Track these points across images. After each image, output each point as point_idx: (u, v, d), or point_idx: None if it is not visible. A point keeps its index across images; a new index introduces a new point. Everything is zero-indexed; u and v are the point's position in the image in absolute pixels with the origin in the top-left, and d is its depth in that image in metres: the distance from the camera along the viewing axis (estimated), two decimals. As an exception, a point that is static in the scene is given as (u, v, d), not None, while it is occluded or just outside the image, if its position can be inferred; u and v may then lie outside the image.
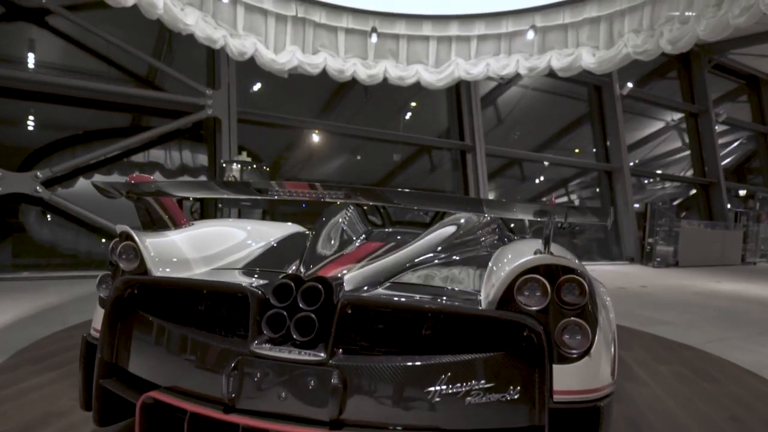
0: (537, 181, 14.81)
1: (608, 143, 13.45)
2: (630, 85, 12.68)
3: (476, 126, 10.57)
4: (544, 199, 14.57)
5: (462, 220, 2.98)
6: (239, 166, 7.25)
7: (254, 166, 7.48)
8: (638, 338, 4.49)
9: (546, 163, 14.04)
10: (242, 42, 6.62)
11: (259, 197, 1.88)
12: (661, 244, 11.99)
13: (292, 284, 1.69)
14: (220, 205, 7.13)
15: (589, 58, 6.68)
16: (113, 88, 7.58)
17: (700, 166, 15.89)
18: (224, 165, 7.18)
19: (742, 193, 17.23)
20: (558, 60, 6.94)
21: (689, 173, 16.71)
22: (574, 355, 1.61)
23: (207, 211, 8.32)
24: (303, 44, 6.93)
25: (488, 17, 7.13)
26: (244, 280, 2.01)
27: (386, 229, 3.25)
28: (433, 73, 7.22)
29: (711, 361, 3.90)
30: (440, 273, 2.17)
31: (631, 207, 12.90)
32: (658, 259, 11.80)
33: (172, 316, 1.89)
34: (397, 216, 3.81)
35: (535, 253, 1.69)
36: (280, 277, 1.77)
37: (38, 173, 6.73)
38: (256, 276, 2.10)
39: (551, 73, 7.69)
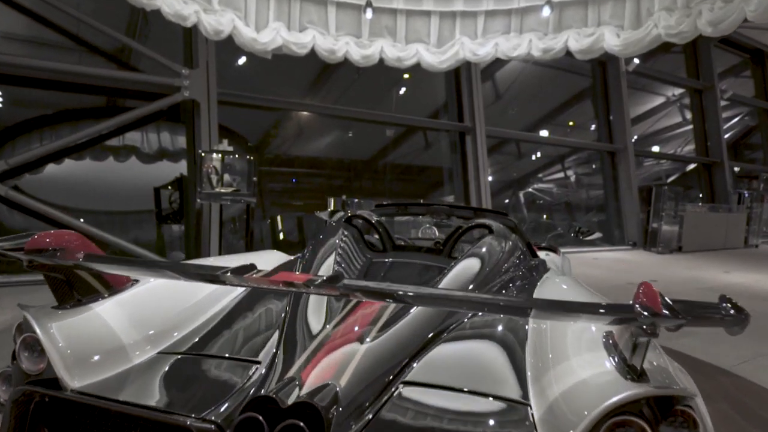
0: (533, 158, 14.29)
1: (612, 122, 12.86)
2: (637, 60, 12.01)
3: (476, 106, 9.92)
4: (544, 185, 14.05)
5: (484, 249, 2.42)
6: (219, 156, 6.59)
7: (236, 155, 6.81)
8: (667, 361, 4.00)
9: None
10: (218, 18, 5.86)
11: (210, 282, 1.30)
12: (665, 228, 11.54)
13: (263, 423, 1.13)
14: (199, 201, 6.49)
15: (612, 40, 5.89)
16: (78, 68, 6.83)
17: (703, 144, 15.38)
18: (203, 155, 6.51)
19: (736, 169, 16.69)
20: (576, 41, 6.16)
21: (686, 149, 16.20)
22: None
23: (186, 200, 7.69)
24: (288, 20, 6.18)
25: (498, -10, 6.35)
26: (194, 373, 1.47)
27: (388, 259, 2.69)
28: (435, 53, 6.47)
29: (754, 393, 3.41)
30: (468, 361, 1.60)
31: (634, 189, 12.40)
32: (662, 245, 11.37)
33: None
34: (399, 232, 3.24)
35: (625, 375, 1.13)
36: (244, 403, 1.20)
37: (-7, 166, 6.05)
38: (213, 370, 1.53)
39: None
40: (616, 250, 11.68)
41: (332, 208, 7.99)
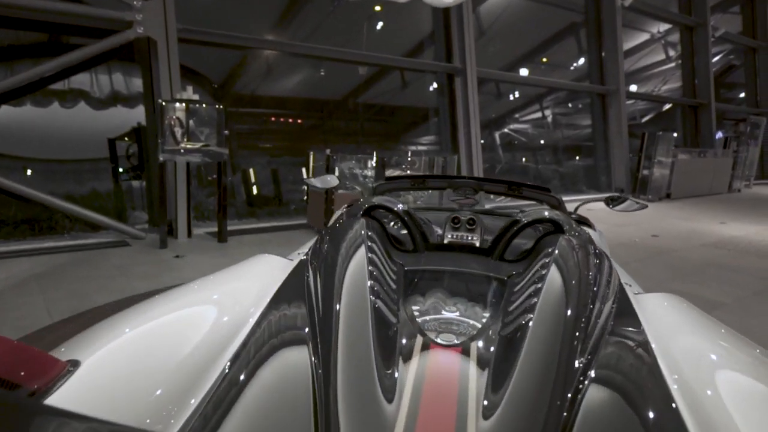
0: (512, 97, 13.64)
1: (604, 62, 12.15)
2: (633, -6, 11.18)
3: (467, 45, 9.04)
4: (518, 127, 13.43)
5: (557, 252, 1.80)
6: (183, 106, 5.68)
7: (204, 105, 5.90)
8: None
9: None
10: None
11: None
12: (655, 174, 11.18)
13: None
14: (161, 159, 5.62)
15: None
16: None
17: (691, 84, 14.89)
18: (163, 105, 5.58)
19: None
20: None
21: (663, 89, 15.72)
22: None
23: (147, 154, 6.77)
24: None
25: None
26: None
27: (425, 267, 2.04)
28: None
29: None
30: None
31: (624, 134, 11.91)
32: (652, 193, 11.04)
33: None
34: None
35: None
36: None
37: None
38: None
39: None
40: (602, 198, 11.27)
41: (313, 163, 7.21)
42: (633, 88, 15.26)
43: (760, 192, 14.03)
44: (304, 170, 9.22)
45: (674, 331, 1.46)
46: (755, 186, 14.85)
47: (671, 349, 1.31)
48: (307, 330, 1.38)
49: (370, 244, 1.87)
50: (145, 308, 1.49)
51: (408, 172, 7.12)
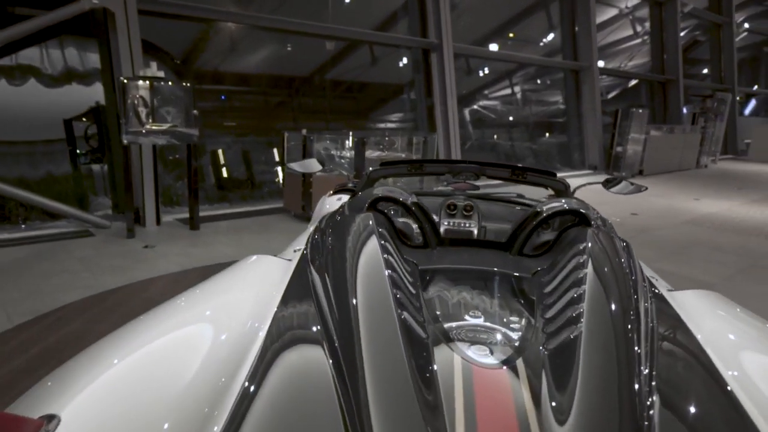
0: (481, 73, 13.46)
1: (577, 39, 12.04)
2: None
3: (443, 19, 8.75)
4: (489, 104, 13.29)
5: (591, 248, 1.63)
6: (147, 84, 5.24)
7: (170, 82, 5.48)
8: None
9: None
10: None
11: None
12: (628, 151, 11.23)
13: None
14: (125, 142, 5.18)
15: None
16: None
17: (660, 60, 14.98)
18: (125, 83, 5.14)
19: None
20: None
21: (629, 65, 15.80)
22: None
23: (108, 136, 6.30)
24: None
25: None
26: None
27: (440, 266, 1.82)
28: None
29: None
30: None
31: (598, 110, 11.90)
32: (626, 170, 11.11)
33: None
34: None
35: None
36: None
37: None
38: None
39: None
40: (577, 176, 11.30)
41: (287, 143, 6.86)
42: (600, 64, 15.27)
43: (726, 167, 14.35)
44: (275, 151, 8.85)
45: (722, 330, 1.39)
46: (720, 161, 15.18)
47: (722, 347, 1.25)
48: (326, 347, 1.17)
49: (383, 242, 1.64)
50: (130, 335, 1.24)
51: (387, 152, 6.86)
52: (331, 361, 1.14)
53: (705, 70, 18.62)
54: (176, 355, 1.16)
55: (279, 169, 8.57)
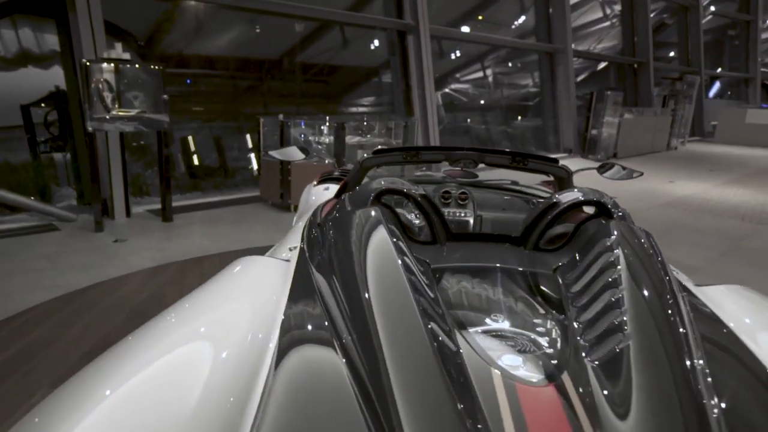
0: (453, 57, 13.34)
1: (551, 20, 11.98)
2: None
3: (420, -1, 8.53)
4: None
5: (620, 241, 1.51)
6: (112, 66, 4.91)
7: (137, 65, 5.15)
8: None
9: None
10: None
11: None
12: (603, 134, 11.30)
13: None
14: (90, 129, 4.85)
15: None
16: None
17: (630, 43, 15.09)
18: (88, 65, 4.79)
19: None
20: None
21: (599, 48, 15.90)
22: None
23: (69, 122, 5.92)
24: None
25: None
26: None
27: (453, 264, 1.68)
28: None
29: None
30: None
31: (572, 93, 11.91)
32: (601, 153, 11.18)
33: None
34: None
35: None
36: None
37: None
38: None
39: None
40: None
41: (263, 128, 6.59)
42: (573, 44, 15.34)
43: (695, 149, 14.63)
44: (248, 137, 8.55)
45: (761, 325, 1.35)
46: (688, 143, 15.48)
47: (762, 343, 1.20)
48: (349, 364, 1.04)
49: (395, 241, 1.48)
50: (121, 361, 1.07)
51: (368, 137, 6.67)
52: (357, 385, 0.99)
53: (672, 53, 18.90)
54: (178, 382, 1.00)
55: (252, 155, 8.29)
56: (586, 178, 3.09)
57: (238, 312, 1.28)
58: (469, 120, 13.00)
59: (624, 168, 3.21)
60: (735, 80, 21.70)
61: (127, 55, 5.03)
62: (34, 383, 2.41)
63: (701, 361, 1.05)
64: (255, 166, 7.97)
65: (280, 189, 5.82)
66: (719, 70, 20.78)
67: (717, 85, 21.65)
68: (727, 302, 1.51)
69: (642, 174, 3.24)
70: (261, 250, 4.41)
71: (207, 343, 1.13)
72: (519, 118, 13.27)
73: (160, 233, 4.95)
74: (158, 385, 0.98)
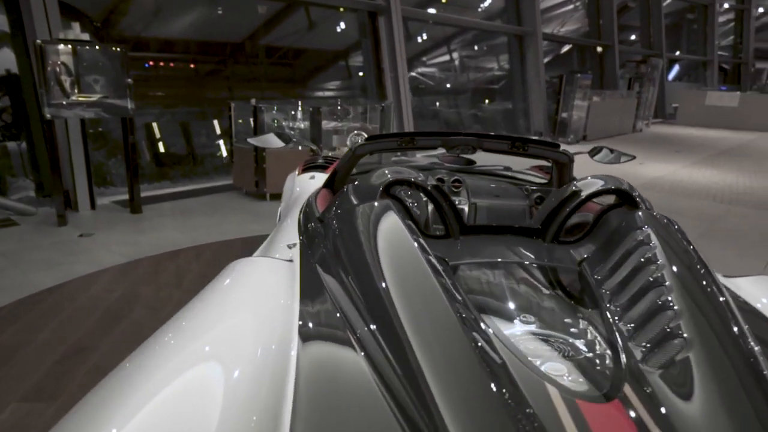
0: (420, 39, 13.21)
1: (520, 1, 11.92)
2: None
3: (392, -20, 8.32)
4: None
5: (652, 233, 1.43)
6: (70, 48, 4.56)
7: (97, 47, 4.80)
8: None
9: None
10: None
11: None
12: (573, 117, 11.39)
13: None
14: (48, 116, 4.50)
15: None
16: None
17: (596, 26, 15.22)
18: (43, 47, 4.44)
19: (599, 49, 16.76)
20: None
21: (563, 30, 16.02)
22: None
23: (26, 111, 5.53)
24: None
25: None
26: None
27: (472, 260, 1.56)
28: None
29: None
30: None
31: (542, 77, 11.93)
32: (572, 136, 11.27)
33: None
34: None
35: None
36: None
37: None
38: None
39: None
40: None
41: (234, 113, 6.32)
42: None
43: (658, 131, 14.96)
44: (216, 123, 8.23)
45: None
46: (652, 125, 15.81)
47: None
48: (384, 376, 0.94)
49: (415, 237, 1.36)
50: (126, 389, 0.93)
51: (343, 122, 6.48)
52: (398, 398, 0.89)
53: (633, 36, 19.21)
54: (193, 408, 0.87)
55: (221, 142, 7.98)
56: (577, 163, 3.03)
57: (248, 322, 1.13)
58: (438, 104, 12.90)
59: (612, 151, 3.15)
60: (693, 63, 22.26)
61: (86, 36, 4.68)
62: (2, 397, 2.20)
63: (761, 365, 0.98)
64: (225, 153, 7.68)
65: (254, 177, 5.59)
66: (677, 53, 21.25)
67: (676, 68, 22.17)
68: (759, 294, 1.45)
69: (634, 157, 3.19)
70: (245, 242, 4.19)
71: (220, 362, 0.98)
72: (486, 101, 13.25)
73: (129, 226, 4.67)
74: (175, 413, 0.84)
